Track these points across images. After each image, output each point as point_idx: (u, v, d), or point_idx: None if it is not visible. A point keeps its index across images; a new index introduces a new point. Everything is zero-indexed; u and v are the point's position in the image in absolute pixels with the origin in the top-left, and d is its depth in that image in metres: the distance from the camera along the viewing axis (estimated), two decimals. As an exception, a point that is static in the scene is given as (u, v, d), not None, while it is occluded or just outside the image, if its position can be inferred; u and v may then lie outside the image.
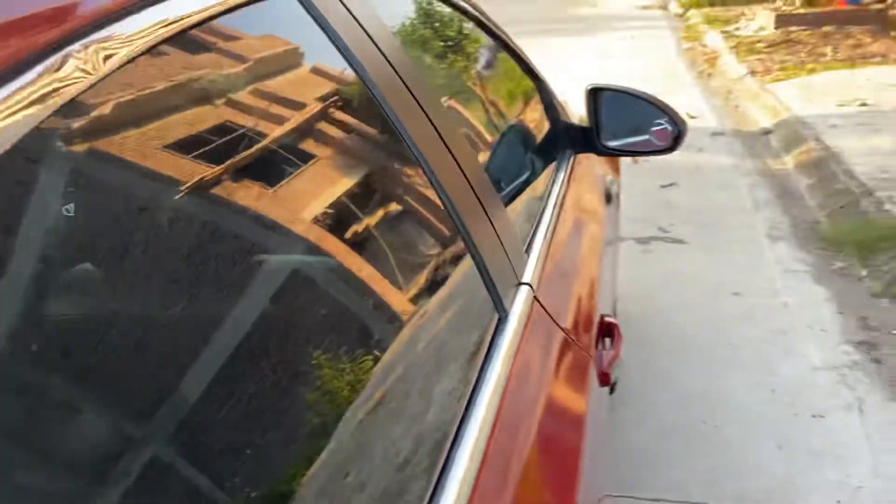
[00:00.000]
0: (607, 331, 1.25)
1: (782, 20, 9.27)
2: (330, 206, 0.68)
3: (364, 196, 0.76)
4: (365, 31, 0.80)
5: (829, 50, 7.84)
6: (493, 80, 1.68)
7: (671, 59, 8.85)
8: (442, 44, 1.39)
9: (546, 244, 1.14)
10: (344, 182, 0.73)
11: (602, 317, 1.27)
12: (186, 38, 0.55)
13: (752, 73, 7.10)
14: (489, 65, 1.67)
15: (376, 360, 0.64)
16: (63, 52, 0.43)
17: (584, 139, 1.65)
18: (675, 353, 2.70)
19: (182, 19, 0.53)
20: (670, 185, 4.49)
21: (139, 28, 0.49)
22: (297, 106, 0.70)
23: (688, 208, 4.09)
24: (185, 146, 0.53)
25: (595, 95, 1.61)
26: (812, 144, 4.69)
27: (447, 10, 1.40)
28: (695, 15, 12.02)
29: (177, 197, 0.50)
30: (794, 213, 3.94)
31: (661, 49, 9.56)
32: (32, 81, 0.40)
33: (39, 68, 0.41)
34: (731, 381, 2.52)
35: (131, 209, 0.48)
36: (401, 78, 0.83)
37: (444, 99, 1.21)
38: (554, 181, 1.46)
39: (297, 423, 0.55)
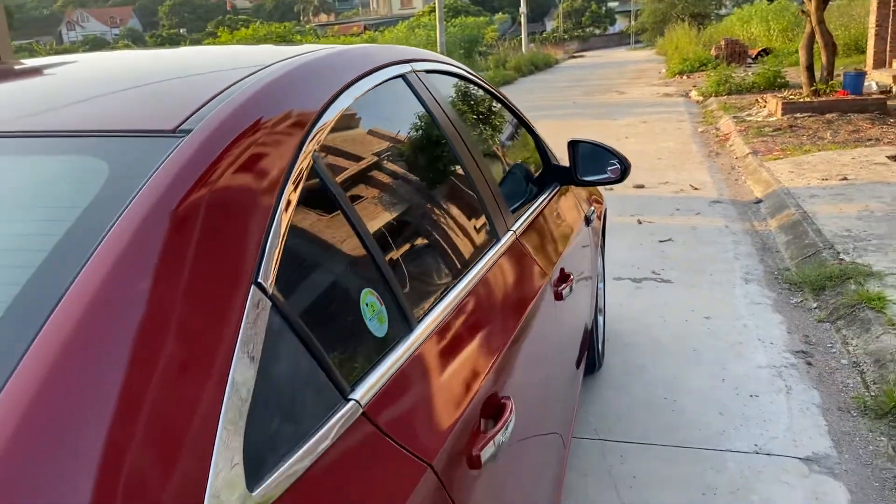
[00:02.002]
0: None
1: (789, 107, 10.14)
2: (436, 198, 1.51)
3: (446, 195, 1.58)
4: (439, 105, 1.64)
5: (828, 134, 8.66)
6: (508, 136, 2.52)
7: (686, 140, 9.73)
8: (478, 114, 2.23)
9: (528, 221, 1.95)
10: (437, 188, 1.56)
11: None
12: (362, 105, 1.37)
13: (755, 152, 7.93)
14: (506, 127, 2.52)
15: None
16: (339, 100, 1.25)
17: (566, 175, 2.48)
18: (650, 355, 3.45)
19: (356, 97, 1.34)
20: (667, 240, 5.28)
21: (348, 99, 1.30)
22: (413, 145, 1.53)
23: (679, 258, 4.87)
24: (382, 167, 1.35)
25: (573, 145, 2.45)
26: (792, 210, 5.47)
27: (481, 92, 2.25)
28: (713, 102, 12.97)
29: (386, 194, 1.31)
30: (769, 262, 4.71)
31: (679, 131, 10.47)
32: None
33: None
34: (691, 373, 3.26)
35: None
36: (459, 132, 1.67)
37: (480, 146, 2.04)
38: (543, 199, 2.27)
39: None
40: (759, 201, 6.23)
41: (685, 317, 3.90)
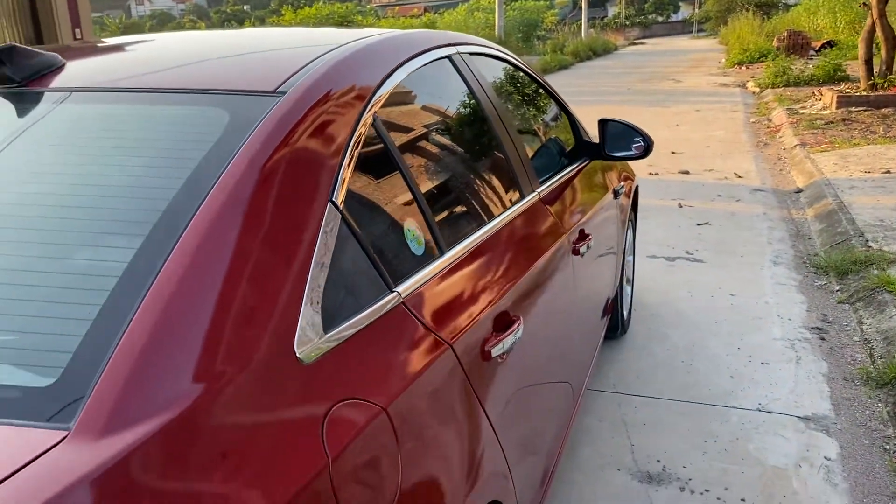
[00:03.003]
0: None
1: (844, 101, 10.11)
2: (469, 158, 1.83)
3: (477, 157, 1.90)
4: (479, 82, 1.95)
5: (881, 129, 8.66)
6: (542, 113, 2.81)
7: (737, 129, 9.81)
8: (514, 92, 2.53)
9: (553, 186, 2.25)
10: (470, 151, 1.88)
11: (581, 230, 2.34)
12: (412, 81, 1.69)
13: (803, 144, 8.01)
14: (540, 105, 2.80)
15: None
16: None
17: (595, 150, 2.77)
18: (674, 325, 3.72)
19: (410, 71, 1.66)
20: (705, 223, 5.49)
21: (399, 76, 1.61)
22: (458, 120, 1.85)
23: (714, 240, 5.09)
24: (433, 140, 1.67)
25: (603, 123, 2.73)
26: (830, 200, 5.61)
27: (519, 73, 2.55)
28: (769, 94, 12.92)
29: (436, 162, 1.63)
30: (800, 248, 4.89)
31: (730, 121, 10.53)
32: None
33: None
34: (710, 342, 3.52)
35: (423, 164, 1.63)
36: (494, 106, 1.98)
37: (514, 120, 2.33)
38: (571, 169, 2.56)
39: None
40: (799, 191, 6.37)
41: (712, 293, 4.14)
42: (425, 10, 42.67)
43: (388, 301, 1.20)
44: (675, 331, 3.67)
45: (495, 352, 1.42)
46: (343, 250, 1.14)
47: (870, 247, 4.50)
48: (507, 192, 1.92)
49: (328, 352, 1.03)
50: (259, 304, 0.97)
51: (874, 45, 10.76)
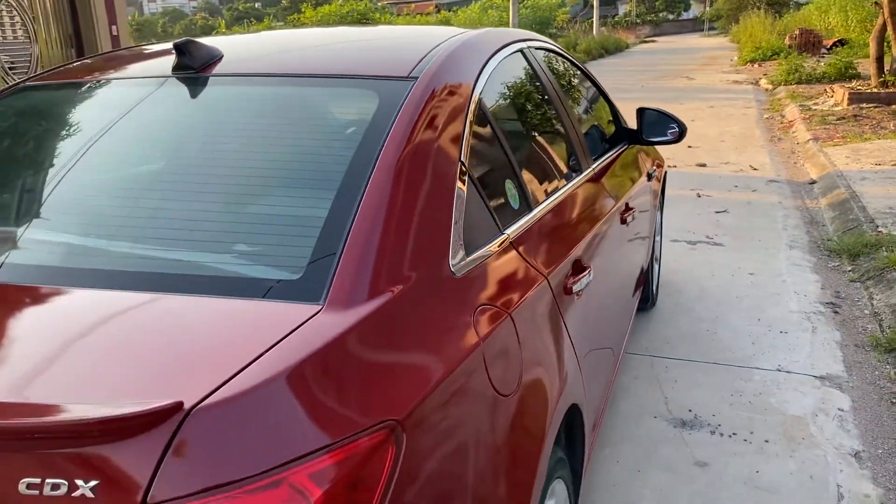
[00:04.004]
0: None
1: (855, 97, 10.39)
2: (541, 134, 2.16)
3: (548, 134, 2.23)
4: (544, 72, 2.28)
5: (892, 124, 8.94)
6: (590, 100, 3.13)
7: (750, 125, 10.10)
8: (569, 81, 2.86)
9: (604, 164, 2.58)
10: (542, 128, 2.21)
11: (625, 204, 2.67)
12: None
13: (816, 139, 8.31)
14: (589, 93, 3.13)
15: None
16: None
17: (633, 135, 3.10)
18: (698, 300, 4.05)
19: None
20: (723, 211, 5.81)
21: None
22: (532, 104, 2.19)
23: (732, 226, 5.41)
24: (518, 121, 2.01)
25: (641, 112, 3.06)
26: (842, 190, 5.92)
27: (571, 66, 2.88)
28: (781, 91, 13.20)
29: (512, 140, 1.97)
30: (814, 233, 5.21)
31: (744, 117, 10.82)
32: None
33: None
34: (732, 314, 3.85)
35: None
36: (557, 92, 2.31)
37: (571, 104, 2.66)
38: (614, 151, 2.89)
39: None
40: (812, 182, 6.68)
41: (732, 273, 4.46)
42: (438, 8, 42.97)
43: (501, 240, 1.54)
44: (700, 304, 3.99)
45: (575, 288, 1.76)
46: (470, 200, 1.48)
47: (880, 231, 4.81)
48: (571, 164, 2.26)
49: (469, 271, 1.37)
50: (426, 232, 1.31)
51: (885, 44, 11.02)
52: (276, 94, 1.60)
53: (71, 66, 1.96)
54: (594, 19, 35.99)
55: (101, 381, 0.97)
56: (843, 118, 9.52)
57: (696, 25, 55.67)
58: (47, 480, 0.84)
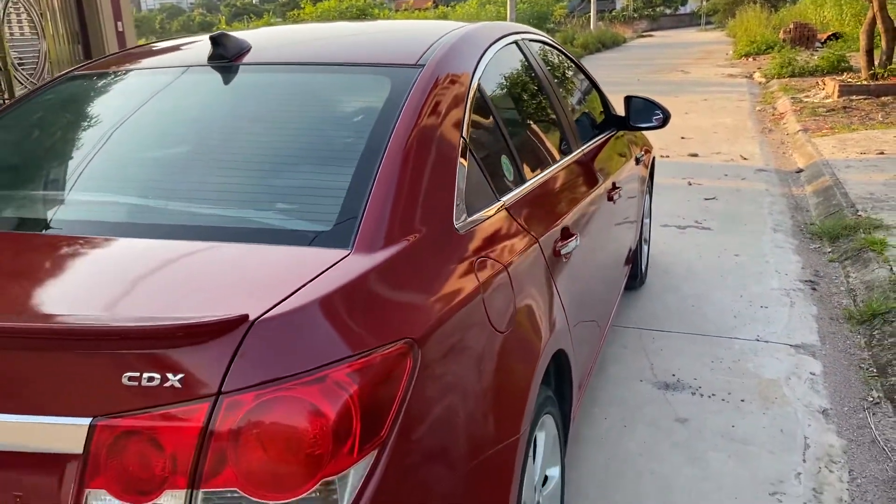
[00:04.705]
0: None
1: (846, 90, 10.62)
2: (533, 117, 2.40)
3: (539, 118, 2.47)
4: (538, 62, 2.52)
5: (880, 116, 9.18)
6: (580, 89, 3.37)
7: (743, 117, 10.34)
8: (561, 71, 3.10)
9: (592, 147, 2.82)
10: (534, 113, 2.45)
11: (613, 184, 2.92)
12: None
13: (805, 129, 8.54)
14: (579, 83, 3.37)
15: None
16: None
17: (621, 122, 3.33)
18: (685, 279, 4.29)
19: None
20: (712, 198, 6.05)
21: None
22: (528, 93, 2.43)
23: (720, 212, 5.65)
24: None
25: (628, 100, 3.30)
26: (827, 178, 6.17)
27: (562, 57, 3.11)
28: (774, 84, 13.43)
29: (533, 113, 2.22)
30: (798, 218, 5.45)
31: (737, 109, 11.06)
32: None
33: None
34: (716, 291, 4.09)
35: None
36: (549, 81, 2.55)
37: (562, 92, 2.90)
38: (603, 136, 3.13)
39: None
40: (800, 171, 6.92)
41: (718, 254, 4.70)
42: (436, 3, 43.13)
43: (498, 206, 1.78)
44: (686, 283, 4.24)
45: (563, 251, 2.00)
46: (471, 170, 1.72)
47: (859, 215, 5.05)
48: (561, 145, 2.50)
49: (470, 229, 1.61)
50: (433, 195, 1.55)
51: (875, 37, 11.26)
52: (303, 79, 1.84)
53: (113, 57, 2.20)
54: (591, 14, 36.17)
55: (183, 302, 1.22)
56: (833, 110, 9.76)
57: (692, 20, 55.85)
58: (144, 374, 1.08)
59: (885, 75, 10.98)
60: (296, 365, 1.12)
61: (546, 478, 1.93)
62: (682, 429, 2.77)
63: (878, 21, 10.94)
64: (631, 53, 26.73)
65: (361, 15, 18.95)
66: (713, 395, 3.00)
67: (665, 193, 6.09)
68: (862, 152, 7.01)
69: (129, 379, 1.09)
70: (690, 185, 6.53)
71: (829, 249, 4.69)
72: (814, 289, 4.10)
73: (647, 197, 4.16)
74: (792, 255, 4.66)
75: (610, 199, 2.77)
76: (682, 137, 8.71)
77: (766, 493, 2.40)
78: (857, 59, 13.62)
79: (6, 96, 8.20)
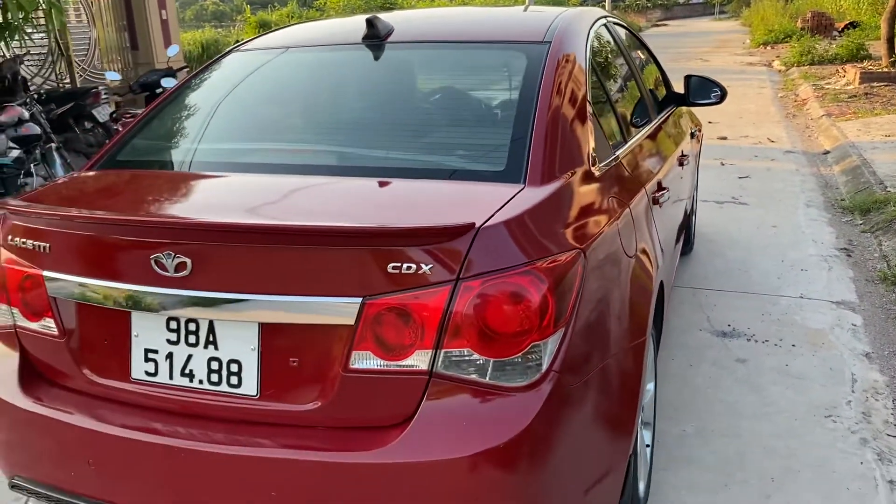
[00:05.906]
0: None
1: (867, 77, 10.91)
2: (623, 87, 2.78)
3: (629, 88, 2.84)
4: (622, 40, 2.89)
5: (901, 101, 9.48)
6: (650, 68, 3.72)
7: (766, 103, 10.65)
8: (636, 50, 3.45)
9: (662, 120, 3.18)
10: (632, 88, 2.82)
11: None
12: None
13: (829, 114, 8.86)
14: (648, 61, 3.72)
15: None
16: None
17: (681, 99, 3.69)
18: (728, 247, 4.66)
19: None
20: (746, 177, 6.40)
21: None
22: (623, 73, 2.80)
23: (754, 189, 6.00)
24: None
25: (688, 78, 3.66)
26: (854, 158, 6.50)
27: (636, 39, 3.48)
28: (794, 72, 13.70)
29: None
30: (828, 195, 5.80)
31: (759, 96, 11.36)
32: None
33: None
34: (758, 258, 4.46)
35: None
36: (631, 57, 2.92)
37: (642, 70, 3.25)
38: (666, 111, 3.49)
39: None
40: (826, 152, 7.25)
41: (756, 225, 5.06)
42: (451, -8, 43.22)
43: (613, 158, 2.15)
44: (730, 250, 4.60)
45: (660, 200, 2.37)
46: (596, 128, 2.09)
47: (889, 191, 5.40)
48: (645, 113, 2.88)
49: (602, 173, 1.99)
50: (575, 145, 1.92)
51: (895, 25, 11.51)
52: (453, 55, 2.23)
53: (269, 34, 2.58)
54: (606, 3, 36.37)
55: (423, 215, 1.64)
56: (855, 96, 10.06)
57: (706, 9, 55.76)
58: (404, 265, 1.47)
59: (906, 62, 11.25)
60: (510, 260, 1.50)
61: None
62: (742, 367, 3.14)
63: (900, 9, 11.20)
64: (648, 42, 26.85)
65: (386, 5, 19.26)
66: (766, 340, 3.37)
67: (700, 172, 6.42)
68: (887, 135, 7.33)
69: (392, 268, 1.47)
70: (723, 165, 6.88)
71: (861, 222, 5.04)
72: (849, 255, 4.46)
73: (696, 173, 4.52)
74: (826, 227, 5.01)
75: (680, 164, 3.14)
76: (710, 122, 9.03)
77: (822, 415, 2.77)
78: (876, 48, 13.87)
79: (66, 80, 8.60)
